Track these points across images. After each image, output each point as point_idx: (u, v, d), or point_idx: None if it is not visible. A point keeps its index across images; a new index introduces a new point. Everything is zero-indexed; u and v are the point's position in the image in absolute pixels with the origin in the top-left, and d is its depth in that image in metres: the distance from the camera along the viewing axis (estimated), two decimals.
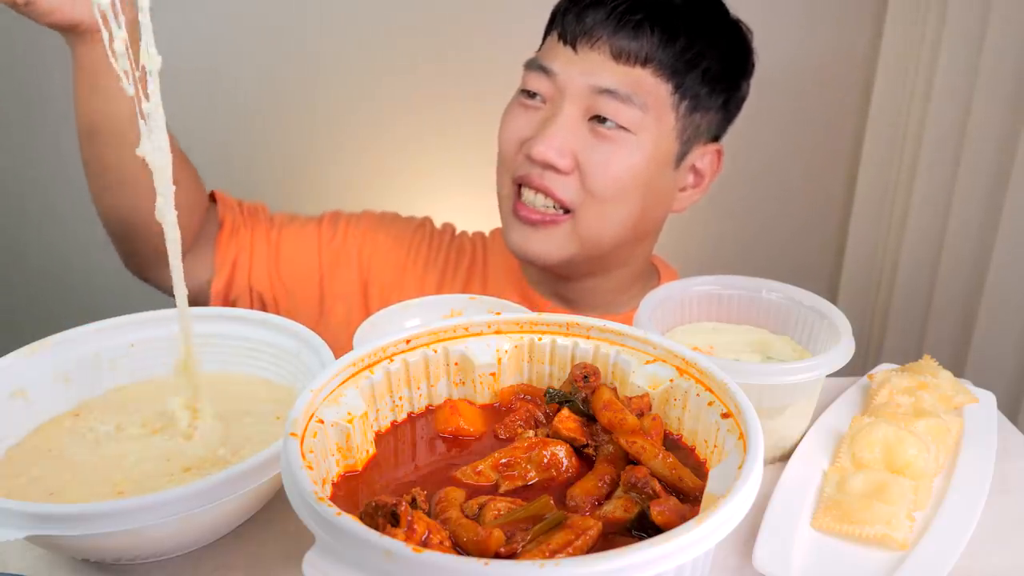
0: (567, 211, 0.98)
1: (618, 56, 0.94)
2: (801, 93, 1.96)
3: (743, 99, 1.07)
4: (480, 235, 1.19)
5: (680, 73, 0.96)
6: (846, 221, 2.06)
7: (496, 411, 0.55)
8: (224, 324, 0.72)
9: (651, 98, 0.95)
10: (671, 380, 0.52)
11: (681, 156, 1.01)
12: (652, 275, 1.15)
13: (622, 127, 0.95)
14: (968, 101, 1.62)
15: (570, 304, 1.09)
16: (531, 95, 0.99)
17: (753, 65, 1.06)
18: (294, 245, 1.11)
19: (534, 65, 0.99)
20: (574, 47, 0.96)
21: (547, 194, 0.96)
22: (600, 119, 0.95)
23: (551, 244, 0.99)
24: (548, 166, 0.95)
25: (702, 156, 1.04)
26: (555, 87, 0.97)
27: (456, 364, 0.56)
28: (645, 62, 0.95)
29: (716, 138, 1.06)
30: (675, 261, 1.22)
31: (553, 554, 0.39)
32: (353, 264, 1.12)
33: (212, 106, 1.99)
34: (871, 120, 1.91)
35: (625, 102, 0.94)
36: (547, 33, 1.03)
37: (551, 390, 0.55)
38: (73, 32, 0.83)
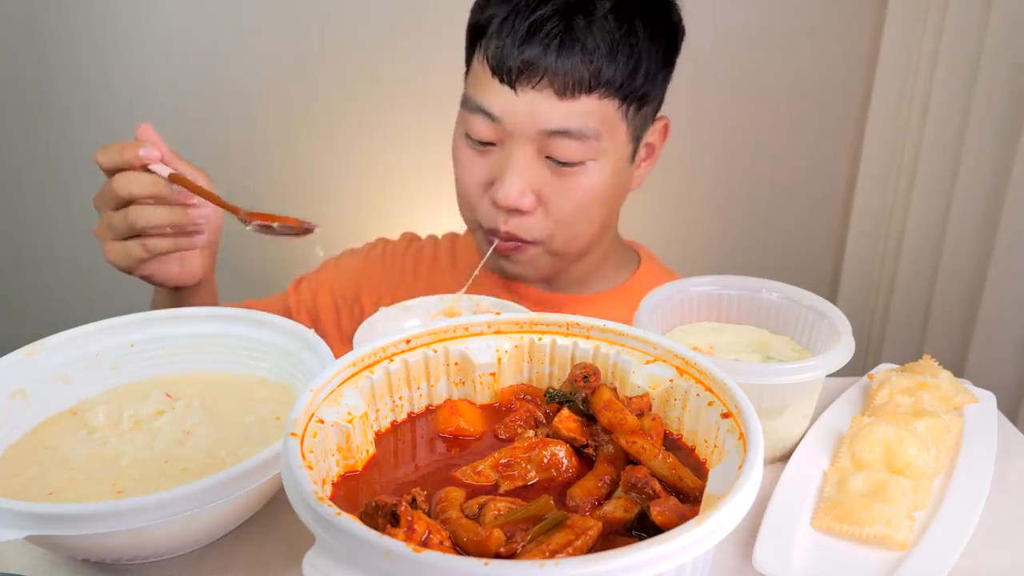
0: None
1: (562, 92, 0.88)
2: (802, 93, 1.96)
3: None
4: (451, 235, 1.20)
5: (625, 84, 0.91)
6: (846, 221, 2.06)
7: (496, 411, 0.55)
8: (224, 324, 0.72)
9: (602, 122, 0.91)
10: (671, 380, 0.52)
11: (636, 151, 0.99)
12: (628, 256, 1.15)
13: (579, 162, 0.92)
14: (968, 101, 1.62)
15: (550, 285, 1.10)
16: (480, 142, 0.94)
17: (683, 26, 0.99)
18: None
19: (472, 107, 0.93)
20: (512, 87, 0.89)
21: (514, 240, 0.96)
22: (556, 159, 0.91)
23: (528, 267, 1.00)
24: (513, 211, 0.94)
25: (651, 133, 1.01)
26: (502, 130, 0.92)
27: (456, 364, 0.56)
28: (591, 89, 0.89)
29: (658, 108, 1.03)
30: (675, 261, 1.22)
31: (553, 554, 0.39)
32: (330, 308, 1.15)
33: (212, 106, 1.99)
34: (871, 120, 1.91)
35: (578, 138, 0.90)
36: (470, 54, 0.97)
37: (551, 390, 0.55)
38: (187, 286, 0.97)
